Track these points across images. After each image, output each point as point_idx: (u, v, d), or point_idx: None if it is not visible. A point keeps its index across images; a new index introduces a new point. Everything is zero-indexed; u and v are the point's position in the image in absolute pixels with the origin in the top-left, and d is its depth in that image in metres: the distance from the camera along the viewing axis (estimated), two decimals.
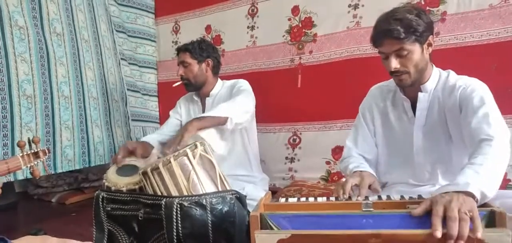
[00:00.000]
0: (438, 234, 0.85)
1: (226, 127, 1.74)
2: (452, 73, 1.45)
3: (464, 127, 1.29)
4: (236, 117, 1.75)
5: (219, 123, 1.72)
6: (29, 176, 1.65)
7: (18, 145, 1.35)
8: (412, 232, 0.88)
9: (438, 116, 1.41)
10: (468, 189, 0.96)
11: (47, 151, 1.43)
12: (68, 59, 2.38)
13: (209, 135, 1.53)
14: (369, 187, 1.34)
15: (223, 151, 1.87)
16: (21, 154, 1.35)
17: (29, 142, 1.38)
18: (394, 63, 1.34)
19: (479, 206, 0.96)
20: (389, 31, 1.30)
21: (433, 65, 1.47)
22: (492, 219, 0.89)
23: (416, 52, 1.33)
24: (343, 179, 1.35)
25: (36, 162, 1.38)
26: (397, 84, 1.43)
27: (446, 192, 0.96)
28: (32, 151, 1.38)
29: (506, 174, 1.99)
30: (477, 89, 1.31)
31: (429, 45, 1.38)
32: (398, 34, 1.29)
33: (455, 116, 1.35)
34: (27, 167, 1.36)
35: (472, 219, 0.87)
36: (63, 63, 2.34)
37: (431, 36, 1.37)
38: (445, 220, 0.87)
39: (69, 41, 2.40)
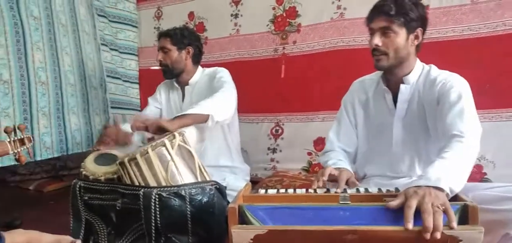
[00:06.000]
0: (410, 226, 0.86)
1: (206, 125, 1.71)
2: (433, 67, 1.46)
3: (439, 121, 1.31)
4: (218, 116, 1.72)
5: (200, 120, 1.69)
6: (13, 162, 1.62)
7: (6, 131, 1.34)
8: (388, 228, 0.89)
9: (418, 109, 1.43)
10: (439, 185, 0.97)
11: (31, 138, 1.41)
12: (45, 44, 2.30)
13: (190, 135, 1.50)
14: (347, 182, 1.35)
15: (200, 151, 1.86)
16: (8, 140, 1.33)
17: (14, 128, 1.36)
18: (377, 40, 1.36)
19: (451, 200, 0.98)
20: (381, 6, 1.35)
21: (417, 58, 1.47)
22: (465, 213, 0.91)
23: (401, 37, 1.36)
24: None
25: (21, 149, 1.36)
26: (374, 66, 1.44)
27: (418, 186, 0.97)
28: (18, 137, 1.36)
29: (482, 167, 2.06)
30: (456, 85, 1.32)
31: (416, 37, 1.40)
32: (388, 9, 1.33)
33: (433, 110, 1.37)
34: (13, 152, 1.34)
35: (445, 211, 0.89)
36: (39, 48, 2.26)
37: (420, 29, 1.39)
38: (417, 215, 0.88)
39: (46, 25, 2.32)
